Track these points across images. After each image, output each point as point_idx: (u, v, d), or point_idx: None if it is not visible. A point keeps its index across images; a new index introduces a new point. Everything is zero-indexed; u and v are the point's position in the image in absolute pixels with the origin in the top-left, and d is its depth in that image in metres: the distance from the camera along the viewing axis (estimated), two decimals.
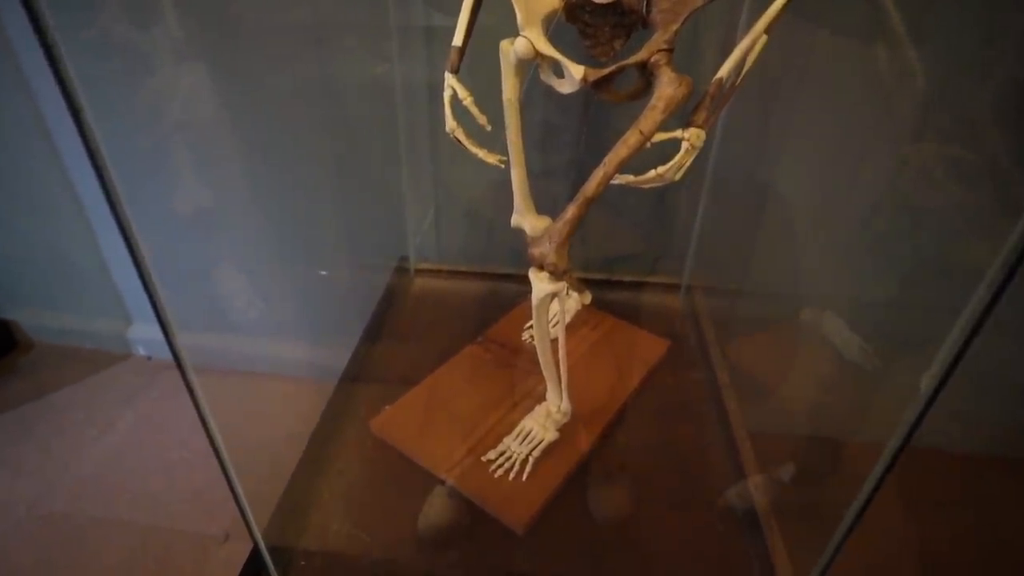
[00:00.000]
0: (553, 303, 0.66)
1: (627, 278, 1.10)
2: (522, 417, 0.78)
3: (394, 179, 1.08)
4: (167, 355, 0.54)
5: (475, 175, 1.02)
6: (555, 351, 0.71)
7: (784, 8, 0.54)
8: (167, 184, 1.02)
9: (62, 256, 1.25)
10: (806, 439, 0.92)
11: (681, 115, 0.56)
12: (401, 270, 1.15)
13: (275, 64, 0.93)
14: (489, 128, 0.61)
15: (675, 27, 0.55)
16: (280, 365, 1.17)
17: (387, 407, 0.84)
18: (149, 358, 1.35)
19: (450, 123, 0.62)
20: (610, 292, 1.07)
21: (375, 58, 0.98)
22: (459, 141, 0.62)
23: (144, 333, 1.34)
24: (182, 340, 0.54)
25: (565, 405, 0.73)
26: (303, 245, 1.11)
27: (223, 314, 1.14)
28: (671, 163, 0.57)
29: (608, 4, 0.57)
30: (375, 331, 1.04)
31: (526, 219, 0.68)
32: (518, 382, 0.86)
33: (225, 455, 0.60)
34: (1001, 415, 0.89)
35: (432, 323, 1.04)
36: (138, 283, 0.50)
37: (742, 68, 0.56)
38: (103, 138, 0.44)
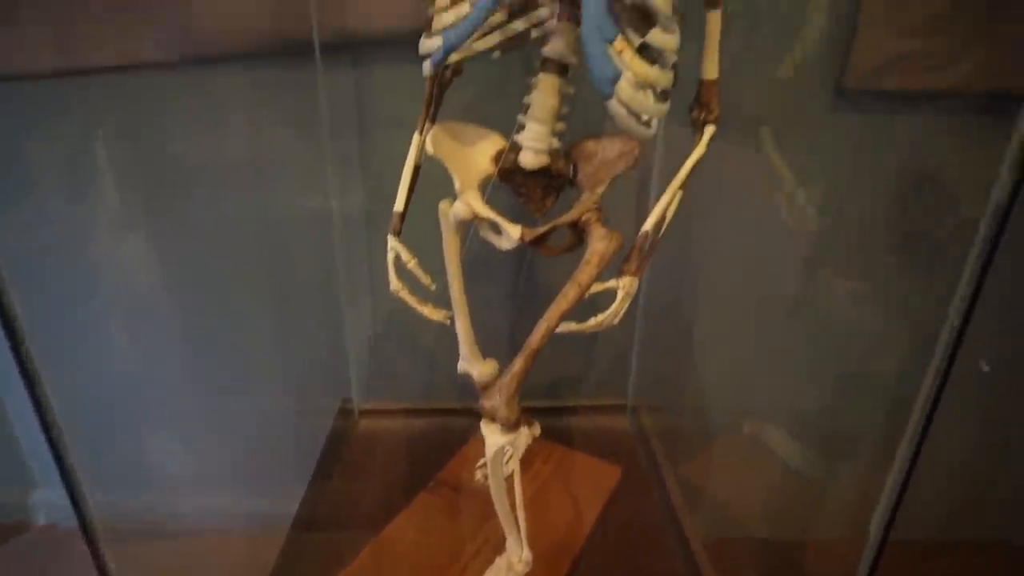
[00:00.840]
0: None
1: (572, 403, 1.11)
2: (483, 570, 0.75)
3: (334, 315, 1.07)
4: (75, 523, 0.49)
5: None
6: (511, 494, 0.70)
7: (694, 168, 0.60)
8: (84, 325, 0.98)
9: None
10: (762, 546, 0.92)
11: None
12: (345, 411, 1.12)
13: (206, 200, 0.94)
14: (433, 288, 0.62)
15: (600, 189, 0.59)
16: (215, 522, 1.09)
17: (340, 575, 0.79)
18: (54, 527, 1.22)
19: (394, 284, 0.63)
20: (557, 419, 1.07)
21: (311, 191, 1.00)
22: (404, 301, 0.64)
23: (49, 498, 1.22)
24: (95, 504, 0.50)
25: (526, 555, 0.70)
26: (238, 390, 1.07)
27: (146, 471, 1.07)
28: (609, 311, 0.60)
29: (538, 170, 0.61)
30: (320, 482, 0.99)
31: (473, 366, 0.70)
32: (475, 529, 0.83)
33: None
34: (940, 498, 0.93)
35: (381, 468, 1.00)
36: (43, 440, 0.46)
37: (664, 220, 0.61)
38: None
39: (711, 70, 0.58)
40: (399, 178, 0.65)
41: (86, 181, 0.95)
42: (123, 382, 1.06)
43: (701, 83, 0.60)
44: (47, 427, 0.46)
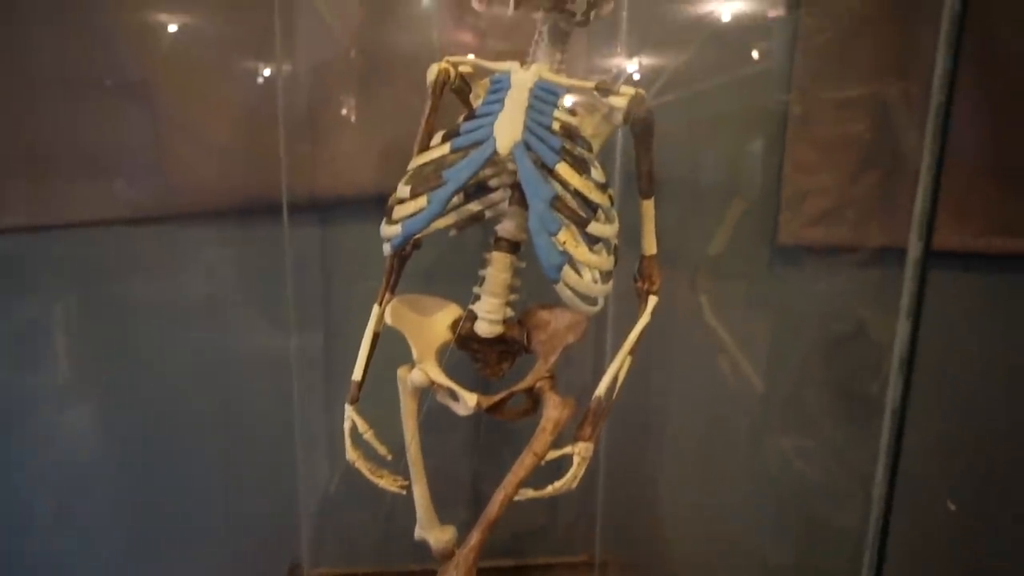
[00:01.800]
0: None
1: (538, 560, 1.07)
2: None
3: (287, 475, 1.04)
4: None
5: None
6: None
7: (642, 335, 0.64)
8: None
9: None
10: None
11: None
12: None
13: (160, 355, 0.93)
14: (390, 458, 0.62)
15: (553, 358, 0.62)
16: None
17: None
18: None
19: (350, 453, 0.63)
20: None
21: (269, 332, 1.00)
22: (360, 471, 0.63)
23: None
24: None
25: None
26: (179, 553, 1.00)
27: None
28: (567, 476, 0.60)
29: (493, 338, 0.64)
30: None
31: (430, 533, 0.68)
32: None
33: None
34: None
35: None
36: None
37: (616, 385, 0.63)
38: None
39: (650, 247, 0.64)
40: (360, 334, 0.67)
41: (38, 336, 0.94)
42: (56, 552, 0.99)
43: (642, 258, 0.65)
44: None
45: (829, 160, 0.81)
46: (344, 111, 0.95)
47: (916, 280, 0.46)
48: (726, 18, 0.86)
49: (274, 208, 0.92)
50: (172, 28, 0.89)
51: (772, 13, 0.86)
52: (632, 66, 0.87)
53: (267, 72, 0.91)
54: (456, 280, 0.69)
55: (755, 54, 0.86)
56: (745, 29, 0.87)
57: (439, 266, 0.79)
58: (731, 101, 0.85)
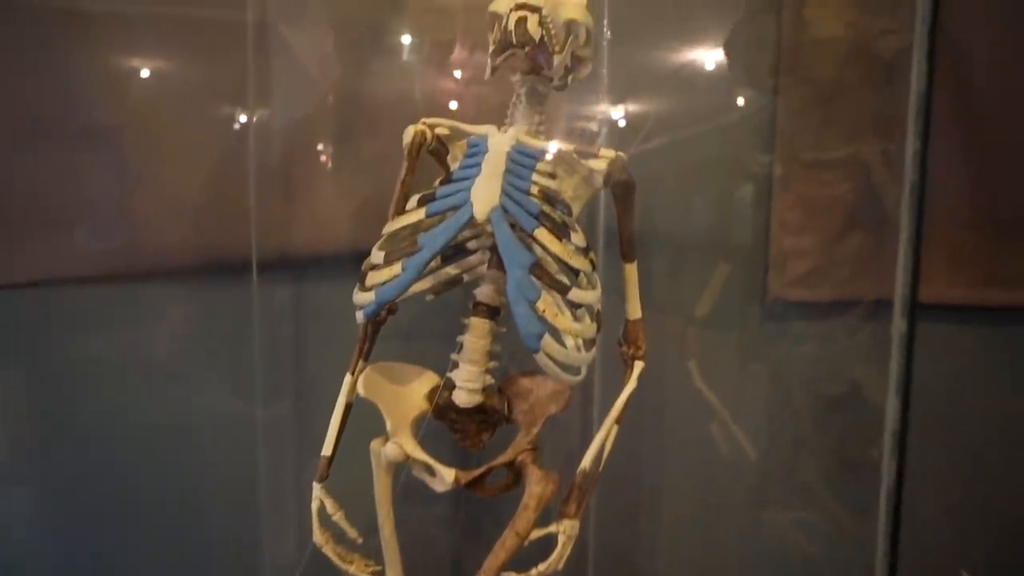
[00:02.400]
0: None
1: None
2: None
3: (249, 555, 0.97)
4: None
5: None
6: None
7: (628, 402, 0.61)
8: None
9: None
10: None
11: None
12: None
13: (108, 406, 0.88)
14: (360, 541, 0.58)
15: (536, 429, 0.59)
16: None
17: None
18: None
19: (318, 536, 0.59)
20: None
21: (234, 398, 0.95)
22: (328, 556, 0.59)
23: None
24: None
25: None
26: None
27: None
28: (552, 558, 0.57)
29: (472, 408, 0.61)
30: None
31: None
32: None
33: None
34: None
35: None
36: None
37: (602, 456, 0.60)
38: None
39: (634, 311, 0.62)
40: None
41: None
42: None
43: (627, 322, 0.63)
44: None
45: (813, 220, 0.81)
46: (319, 164, 0.94)
47: (904, 353, 0.45)
48: (708, 78, 0.87)
49: (243, 266, 0.89)
50: (141, 76, 0.86)
51: (753, 76, 0.87)
52: (616, 115, 0.86)
53: (239, 123, 0.89)
54: (432, 341, 0.66)
55: (736, 116, 0.87)
56: (726, 91, 0.88)
57: (415, 327, 0.76)
58: (716, 161, 0.85)
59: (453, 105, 0.91)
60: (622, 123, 0.88)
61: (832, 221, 0.83)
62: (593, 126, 0.87)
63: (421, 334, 0.73)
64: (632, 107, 0.88)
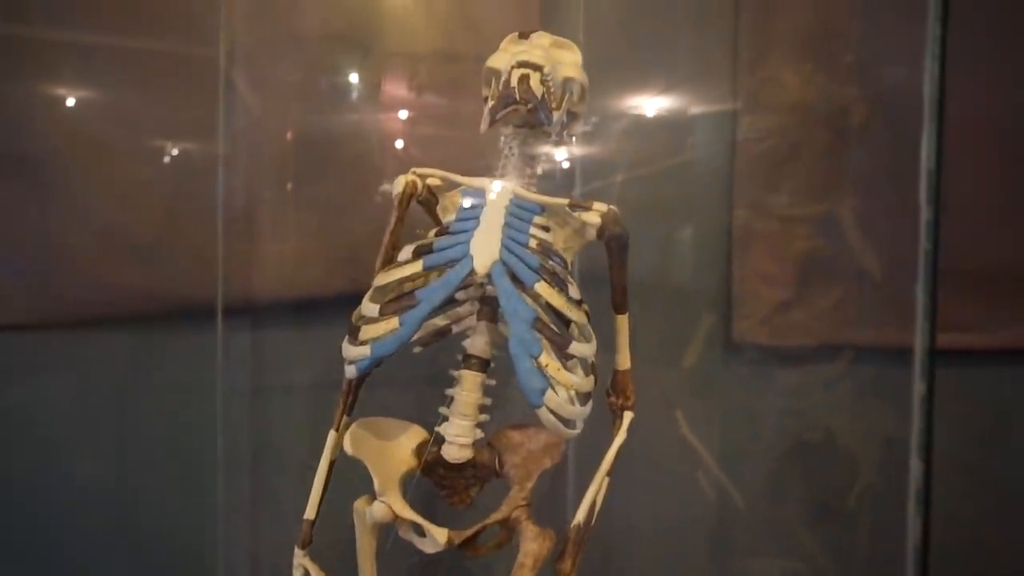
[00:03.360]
0: None
1: None
2: None
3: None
4: None
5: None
6: None
7: (619, 454, 0.61)
8: None
9: None
10: None
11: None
12: None
13: (52, 463, 0.81)
14: None
15: (530, 484, 0.58)
16: None
17: None
18: None
19: None
20: None
21: (193, 452, 0.89)
22: None
23: None
24: None
25: None
26: None
27: None
28: None
29: (463, 463, 0.59)
30: None
31: None
32: None
33: None
34: None
35: None
36: None
37: (595, 510, 0.59)
38: None
39: (624, 362, 0.62)
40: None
41: None
42: None
43: (616, 372, 0.63)
44: None
45: (777, 268, 0.85)
46: (287, 207, 0.92)
47: (924, 416, 0.47)
48: (666, 123, 0.90)
49: (207, 312, 0.84)
50: (96, 113, 0.83)
51: (712, 127, 0.91)
52: (573, 158, 0.88)
53: (205, 165, 0.86)
54: (415, 389, 0.64)
55: (695, 167, 0.90)
56: (685, 137, 0.91)
57: (396, 375, 0.73)
58: (677, 211, 0.88)
59: (421, 150, 0.91)
60: (579, 166, 0.90)
61: (792, 268, 0.87)
62: (555, 168, 0.89)
63: (389, 382, 0.71)
64: (592, 151, 0.90)
